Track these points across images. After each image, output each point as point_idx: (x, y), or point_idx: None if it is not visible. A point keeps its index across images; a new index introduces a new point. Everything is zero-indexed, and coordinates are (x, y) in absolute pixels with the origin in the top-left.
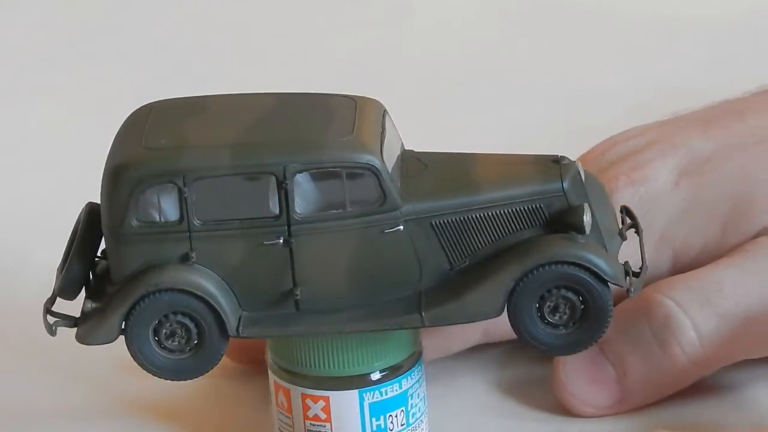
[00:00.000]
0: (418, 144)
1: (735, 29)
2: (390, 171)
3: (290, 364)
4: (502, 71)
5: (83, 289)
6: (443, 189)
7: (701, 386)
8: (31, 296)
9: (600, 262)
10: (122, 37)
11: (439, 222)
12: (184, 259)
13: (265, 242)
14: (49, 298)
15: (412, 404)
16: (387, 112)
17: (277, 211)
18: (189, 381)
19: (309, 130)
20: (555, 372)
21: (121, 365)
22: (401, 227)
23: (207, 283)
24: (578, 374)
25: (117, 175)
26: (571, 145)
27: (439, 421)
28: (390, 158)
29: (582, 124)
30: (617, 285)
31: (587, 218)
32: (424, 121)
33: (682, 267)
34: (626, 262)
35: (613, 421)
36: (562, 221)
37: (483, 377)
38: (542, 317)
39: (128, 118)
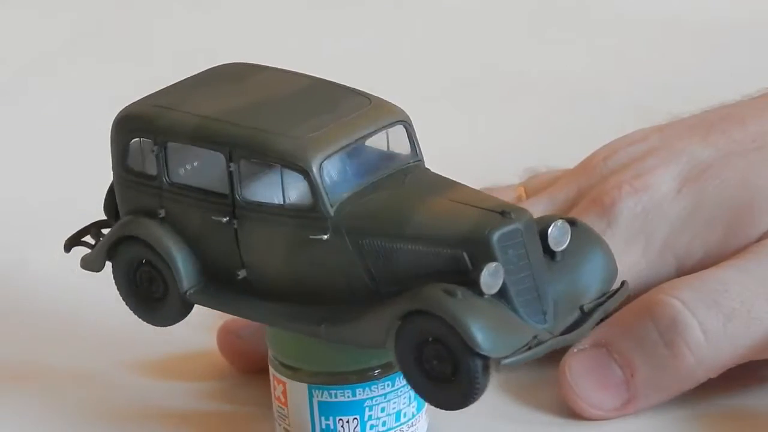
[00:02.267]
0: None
1: (735, 30)
2: (338, 180)
3: (269, 342)
4: (501, 71)
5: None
6: (378, 212)
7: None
8: (31, 296)
9: (468, 325)
10: (122, 37)
11: (367, 243)
12: (155, 214)
13: (213, 217)
14: (100, 221)
15: (371, 416)
16: (401, 124)
17: (226, 190)
18: (192, 382)
19: (284, 121)
20: (561, 374)
21: (124, 366)
22: (325, 236)
23: (168, 240)
24: (585, 376)
25: (115, 122)
26: (570, 145)
27: (443, 423)
28: (352, 168)
29: (582, 125)
30: (490, 357)
31: (486, 277)
32: (423, 123)
33: (685, 274)
34: (535, 337)
35: (621, 423)
36: (470, 276)
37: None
38: (420, 364)
39: (204, 70)
